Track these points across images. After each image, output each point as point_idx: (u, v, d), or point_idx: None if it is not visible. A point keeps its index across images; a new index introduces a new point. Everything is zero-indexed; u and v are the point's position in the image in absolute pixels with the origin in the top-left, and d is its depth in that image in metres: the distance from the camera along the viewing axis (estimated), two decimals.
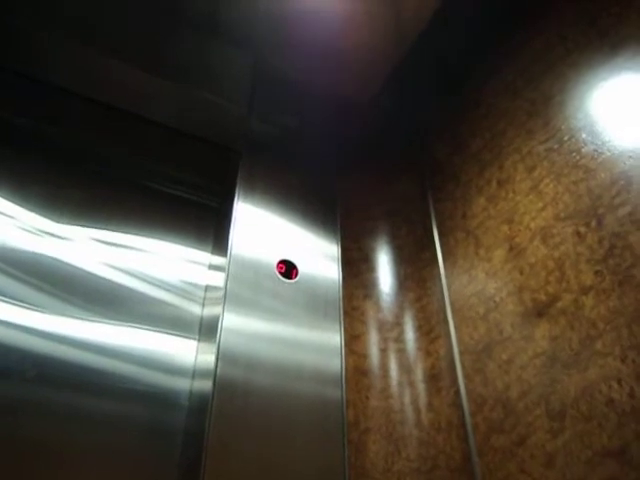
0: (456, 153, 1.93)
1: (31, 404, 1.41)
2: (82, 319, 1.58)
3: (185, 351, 1.70)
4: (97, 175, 1.91)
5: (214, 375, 1.44)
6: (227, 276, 1.66)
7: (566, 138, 1.46)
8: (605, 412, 1.12)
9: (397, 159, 2.20)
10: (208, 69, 1.99)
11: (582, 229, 1.32)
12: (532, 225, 1.48)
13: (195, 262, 1.91)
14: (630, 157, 1.25)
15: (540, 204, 1.48)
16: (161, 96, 1.90)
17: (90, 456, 1.41)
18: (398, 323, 1.75)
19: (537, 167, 1.52)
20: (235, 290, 1.63)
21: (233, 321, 1.57)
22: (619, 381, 1.11)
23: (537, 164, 1.53)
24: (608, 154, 1.31)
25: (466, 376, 1.53)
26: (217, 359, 1.47)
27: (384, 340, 1.72)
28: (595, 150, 1.36)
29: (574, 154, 1.41)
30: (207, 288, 1.86)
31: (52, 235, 1.68)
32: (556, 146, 1.48)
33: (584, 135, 1.41)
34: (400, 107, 2.30)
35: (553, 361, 1.28)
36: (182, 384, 1.63)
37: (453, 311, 1.68)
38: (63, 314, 1.56)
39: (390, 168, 2.17)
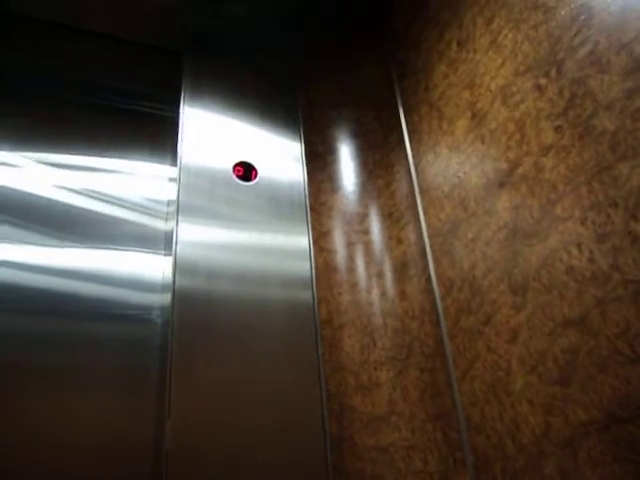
0: (415, 20, 1.71)
1: (4, 334, 1.39)
2: (43, 245, 1.53)
3: (153, 267, 1.65)
4: (38, 97, 1.78)
5: (172, 288, 1.40)
6: (179, 187, 1.57)
7: None
8: (565, 281, 1.03)
9: (358, 38, 1.98)
10: None
11: (542, 81, 1.15)
12: (492, 86, 1.32)
13: (153, 176, 1.81)
14: None
15: (499, 60, 1.30)
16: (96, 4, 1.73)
17: (71, 377, 1.41)
18: (368, 214, 1.65)
19: (495, 17, 1.32)
20: (189, 201, 1.55)
21: (189, 233, 1.51)
22: (579, 246, 1.01)
23: (495, 13, 1.32)
24: None
25: (435, 260, 1.45)
26: (174, 272, 1.43)
27: (355, 233, 1.63)
28: None
29: None
30: (169, 202, 1.78)
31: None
32: None
33: None
34: None
35: (515, 233, 1.17)
36: (153, 300, 1.60)
37: (421, 193, 1.56)
38: (22, 242, 1.51)
39: (351, 50, 1.96)
